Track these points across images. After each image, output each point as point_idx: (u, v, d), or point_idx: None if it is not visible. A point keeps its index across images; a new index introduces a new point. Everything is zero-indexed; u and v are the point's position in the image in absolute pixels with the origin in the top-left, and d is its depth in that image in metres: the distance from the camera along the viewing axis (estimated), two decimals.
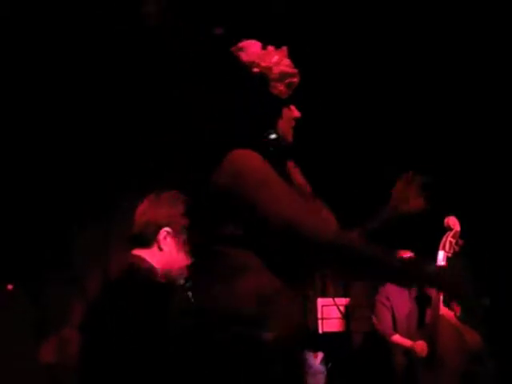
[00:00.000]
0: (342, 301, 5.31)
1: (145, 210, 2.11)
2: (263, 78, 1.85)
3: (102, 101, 4.47)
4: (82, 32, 4.05)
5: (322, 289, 5.52)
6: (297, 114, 1.95)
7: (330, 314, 5.25)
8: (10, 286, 4.29)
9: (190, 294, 2.03)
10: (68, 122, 4.58)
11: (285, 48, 1.90)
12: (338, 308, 5.02)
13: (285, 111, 1.92)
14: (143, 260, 2.07)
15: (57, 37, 4.08)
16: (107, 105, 4.50)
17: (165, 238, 2.10)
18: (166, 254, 2.10)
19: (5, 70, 4.07)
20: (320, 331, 5.25)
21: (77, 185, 4.78)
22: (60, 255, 4.79)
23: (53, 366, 4.50)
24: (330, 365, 3.95)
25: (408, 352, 4.39)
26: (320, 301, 5.33)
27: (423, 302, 4.64)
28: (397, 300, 4.72)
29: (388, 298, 4.72)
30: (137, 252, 2.10)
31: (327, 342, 5.07)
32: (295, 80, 1.90)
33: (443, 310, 4.30)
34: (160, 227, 2.10)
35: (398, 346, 4.54)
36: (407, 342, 4.42)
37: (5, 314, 4.26)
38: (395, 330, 4.64)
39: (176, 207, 2.11)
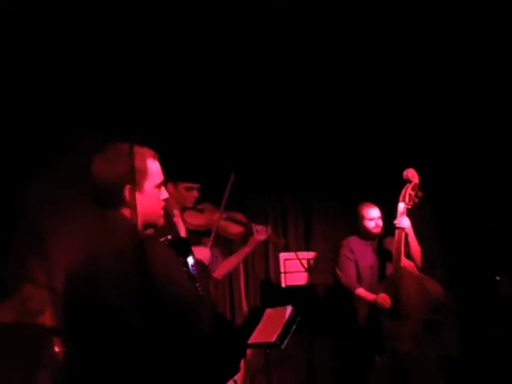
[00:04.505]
0: (304, 254, 5.34)
1: (104, 171, 2.03)
2: None
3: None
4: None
5: (285, 243, 5.57)
6: None
7: (292, 267, 5.29)
8: None
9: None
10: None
11: None
12: (301, 261, 5.05)
13: None
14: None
15: (58, 34, 4.03)
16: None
17: (129, 194, 2.03)
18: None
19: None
20: (283, 285, 5.31)
21: (28, 136, 4.61)
22: (16, 212, 4.65)
23: (11, 325, 4.42)
24: (299, 318, 3.98)
25: (371, 304, 4.48)
26: (282, 255, 5.37)
27: (383, 254, 4.72)
28: (360, 253, 4.77)
29: (352, 251, 4.77)
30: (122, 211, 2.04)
31: (291, 296, 5.12)
32: None
33: (405, 262, 4.39)
34: (123, 184, 2.03)
35: (361, 299, 4.60)
36: (370, 296, 4.50)
37: None
38: (359, 281, 4.71)
39: (130, 161, 2.02)
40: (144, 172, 2.07)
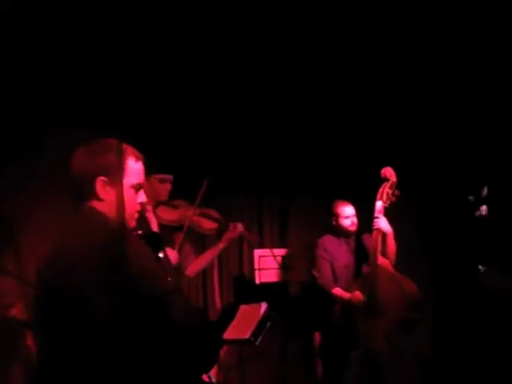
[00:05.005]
0: (279, 251, 5.33)
1: (80, 162, 2.03)
2: None
3: None
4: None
5: (259, 240, 5.55)
6: None
7: (267, 264, 5.27)
8: None
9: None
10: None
11: None
12: (275, 258, 5.04)
13: None
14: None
15: (57, 34, 4.05)
16: None
17: (102, 187, 2.01)
18: (108, 204, 2.01)
19: None
20: (257, 282, 5.28)
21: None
22: None
23: None
24: (273, 315, 3.95)
25: (347, 303, 4.47)
26: (257, 251, 5.35)
27: (359, 252, 4.72)
28: (335, 252, 4.77)
29: (327, 251, 4.77)
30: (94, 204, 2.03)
31: (264, 293, 5.10)
32: None
33: (381, 260, 4.39)
34: (95, 176, 2.00)
35: (338, 298, 4.59)
36: (346, 295, 4.50)
37: None
38: (335, 281, 4.71)
39: (109, 154, 2.01)
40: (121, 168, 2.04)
